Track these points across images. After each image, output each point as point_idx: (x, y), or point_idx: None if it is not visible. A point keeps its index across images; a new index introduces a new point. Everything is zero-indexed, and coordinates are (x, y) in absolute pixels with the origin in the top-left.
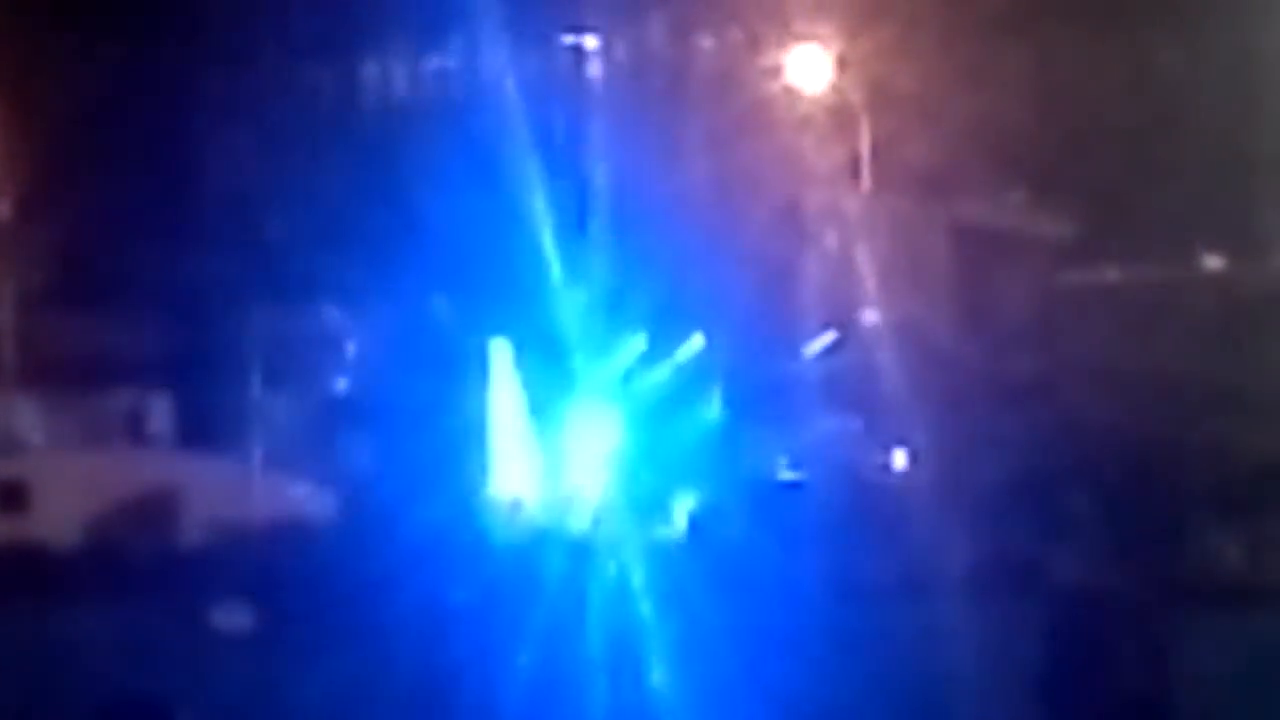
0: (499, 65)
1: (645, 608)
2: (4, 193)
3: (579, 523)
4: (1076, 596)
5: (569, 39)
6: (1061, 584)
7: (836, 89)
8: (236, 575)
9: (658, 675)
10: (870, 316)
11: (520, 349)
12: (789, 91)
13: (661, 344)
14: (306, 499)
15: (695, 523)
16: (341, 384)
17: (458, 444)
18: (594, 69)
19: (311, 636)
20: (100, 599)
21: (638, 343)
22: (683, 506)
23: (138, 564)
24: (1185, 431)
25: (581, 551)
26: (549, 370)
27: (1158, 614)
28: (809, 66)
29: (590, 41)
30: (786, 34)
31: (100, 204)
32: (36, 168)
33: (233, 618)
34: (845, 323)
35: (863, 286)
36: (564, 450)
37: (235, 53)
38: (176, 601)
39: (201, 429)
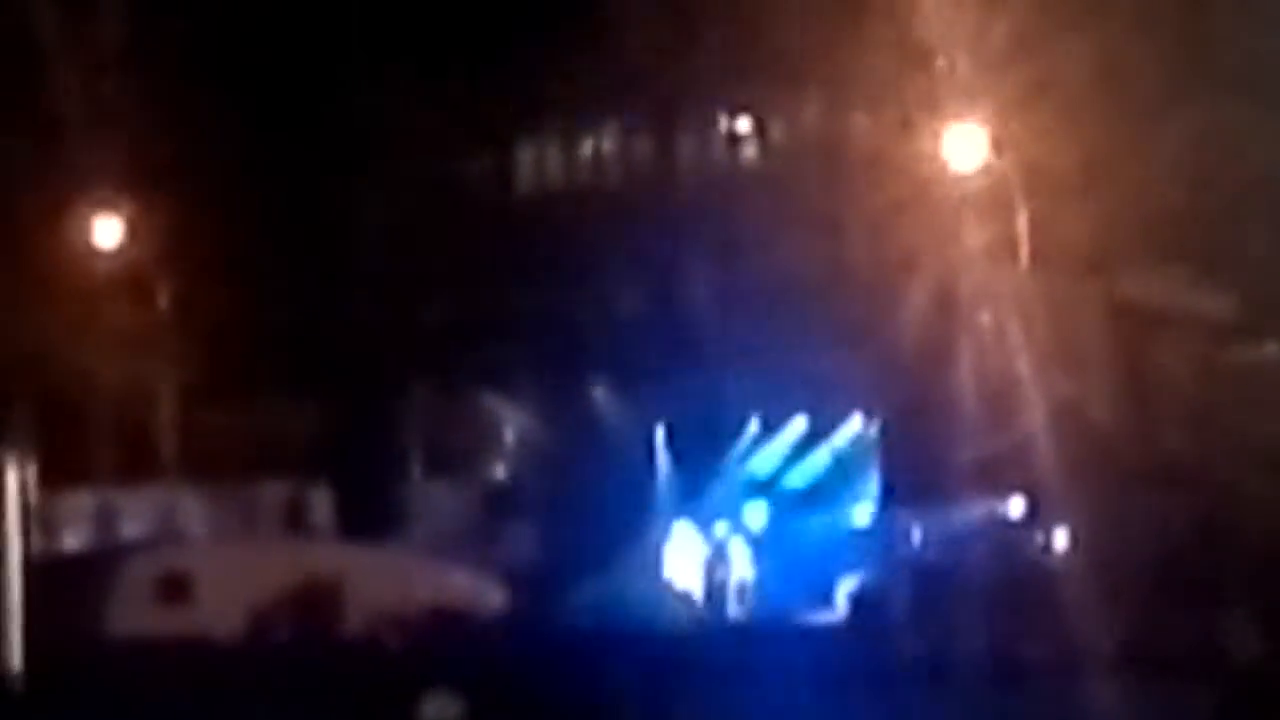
0: (656, 148)
1: (809, 689)
2: (165, 287)
3: (742, 607)
4: (1238, 675)
5: (726, 122)
6: (1223, 663)
7: (992, 168)
8: (398, 665)
9: None
10: (1029, 396)
11: (681, 435)
12: (945, 171)
13: (822, 426)
14: (469, 588)
15: (857, 604)
16: (503, 472)
17: (620, 531)
18: (751, 150)
19: None
20: (263, 691)
21: (798, 426)
22: (844, 589)
23: (300, 655)
24: None
25: (745, 635)
26: (711, 455)
27: None
28: (965, 146)
29: (747, 124)
30: (942, 114)
31: (261, 296)
32: (196, 263)
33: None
34: (1003, 402)
35: (1021, 366)
36: (727, 534)
37: (397, 140)
38: (340, 693)
39: (363, 518)
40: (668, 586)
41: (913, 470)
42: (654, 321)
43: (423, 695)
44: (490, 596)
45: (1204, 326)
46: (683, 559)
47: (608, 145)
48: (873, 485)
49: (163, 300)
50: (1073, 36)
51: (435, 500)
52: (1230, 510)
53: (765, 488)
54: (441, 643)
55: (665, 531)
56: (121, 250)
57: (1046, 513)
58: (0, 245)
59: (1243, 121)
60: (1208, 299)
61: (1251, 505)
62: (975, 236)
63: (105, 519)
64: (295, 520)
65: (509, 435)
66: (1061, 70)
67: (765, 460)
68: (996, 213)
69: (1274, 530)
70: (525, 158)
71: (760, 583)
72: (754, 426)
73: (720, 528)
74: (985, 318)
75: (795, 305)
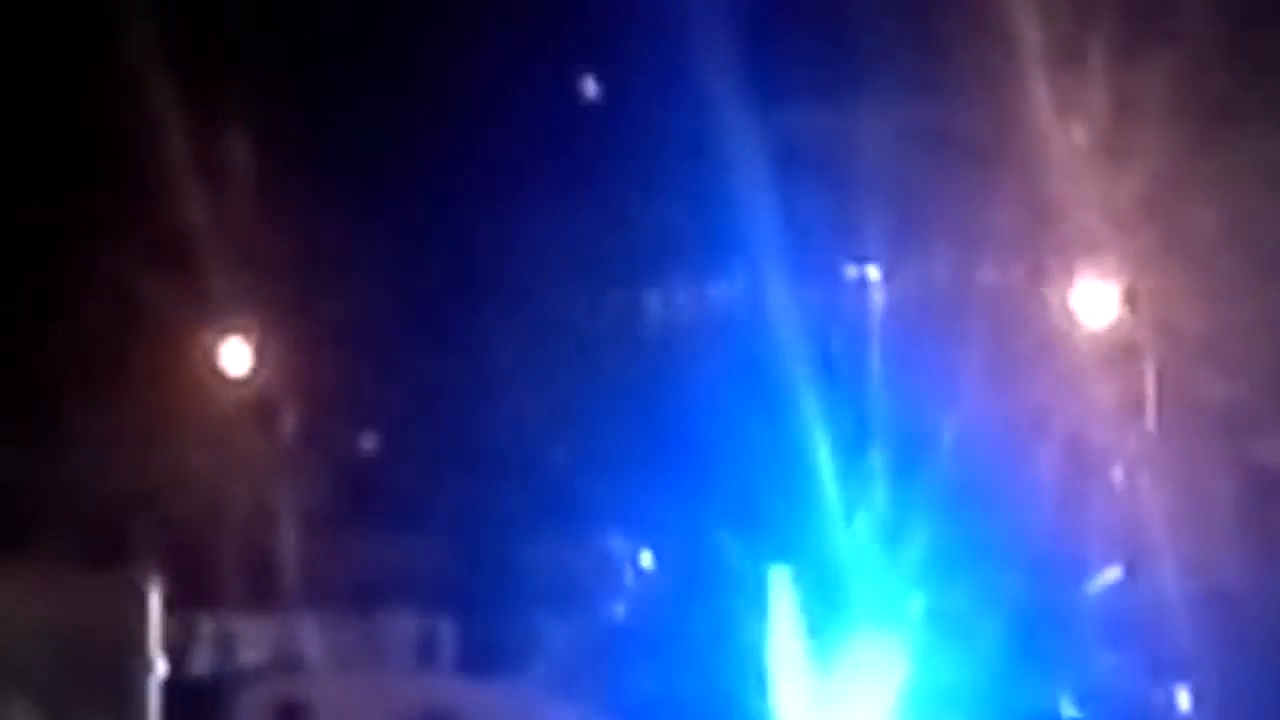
0: (780, 295)
1: None
2: (289, 416)
3: None
4: None
5: (851, 270)
6: None
7: (1123, 325)
8: None
9: None
10: (1156, 555)
11: (800, 579)
12: (1074, 327)
13: (942, 576)
14: None
15: None
16: (621, 612)
17: (737, 673)
18: (876, 299)
19: None
20: None
21: (918, 574)
22: None
23: None
24: None
25: None
26: (829, 601)
27: None
28: (1095, 302)
29: (873, 272)
30: (1072, 269)
31: (385, 428)
32: (325, 394)
33: None
34: (1130, 560)
35: (1148, 524)
36: (844, 681)
37: (515, 285)
38: None
39: (481, 654)
40: None
41: (1038, 626)
42: (778, 466)
43: None
44: None
45: None
46: (806, 703)
47: (733, 290)
48: (999, 639)
49: (290, 430)
50: (1208, 193)
51: (556, 638)
52: None
53: (888, 636)
54: None
55: (786, 674)
56: (250, 379)
57: (1173, 673)
58: (132, 375)
59: None
60: None
61: None
62: (1104, 394)
63: (227, 646)
64: (415, 654)
65: (630, 576)
66: (1196, 227)
67: (885, 607)
68: (1127, 371)
69: None
70: (653, 302)
71: None
72: (876, 572)
73: (842, 673)
74: (1114, 475)
75: (920, 453)
